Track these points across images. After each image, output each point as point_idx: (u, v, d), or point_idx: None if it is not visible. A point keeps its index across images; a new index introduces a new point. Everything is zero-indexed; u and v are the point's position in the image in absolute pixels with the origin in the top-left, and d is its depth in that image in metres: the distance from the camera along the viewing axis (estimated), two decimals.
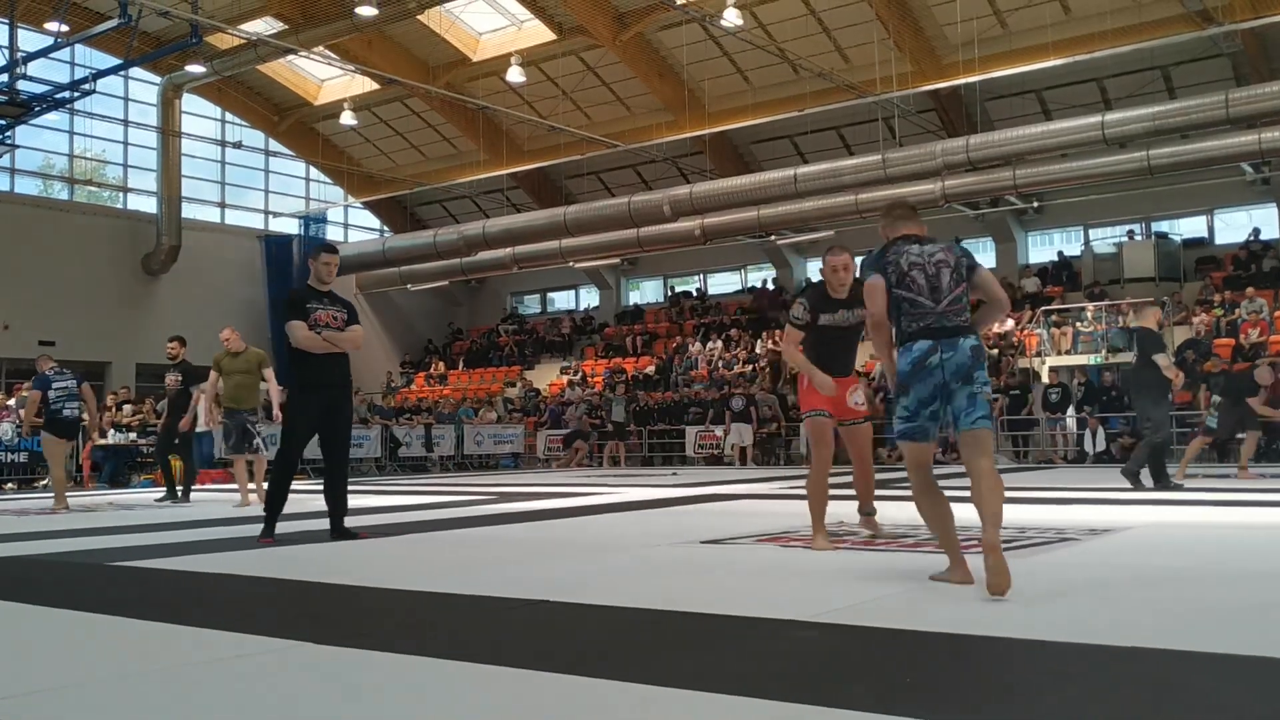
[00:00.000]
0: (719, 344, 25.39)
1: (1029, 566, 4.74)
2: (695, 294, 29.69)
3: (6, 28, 17.84)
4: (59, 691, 2.76)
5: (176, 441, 11.30)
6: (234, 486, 11.04)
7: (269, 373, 10.43)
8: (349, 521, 6.71)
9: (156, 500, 11.30)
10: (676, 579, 4.66)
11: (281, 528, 6.56)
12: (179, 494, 11.20)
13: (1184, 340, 19.33)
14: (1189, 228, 23.45)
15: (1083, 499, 8.77)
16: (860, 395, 5.99)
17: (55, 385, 10.33)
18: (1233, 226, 23.01)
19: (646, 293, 31.35)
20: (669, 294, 30.32)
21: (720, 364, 24.40)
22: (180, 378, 11.09)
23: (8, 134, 19.68)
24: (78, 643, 3.45)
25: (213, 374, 10.52)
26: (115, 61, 20.12)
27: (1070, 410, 18.20)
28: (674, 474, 16.73)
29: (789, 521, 6.95)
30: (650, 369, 25.59)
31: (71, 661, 3.15)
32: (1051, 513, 7.41)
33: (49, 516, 9.44)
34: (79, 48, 20.72)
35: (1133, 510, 7.60)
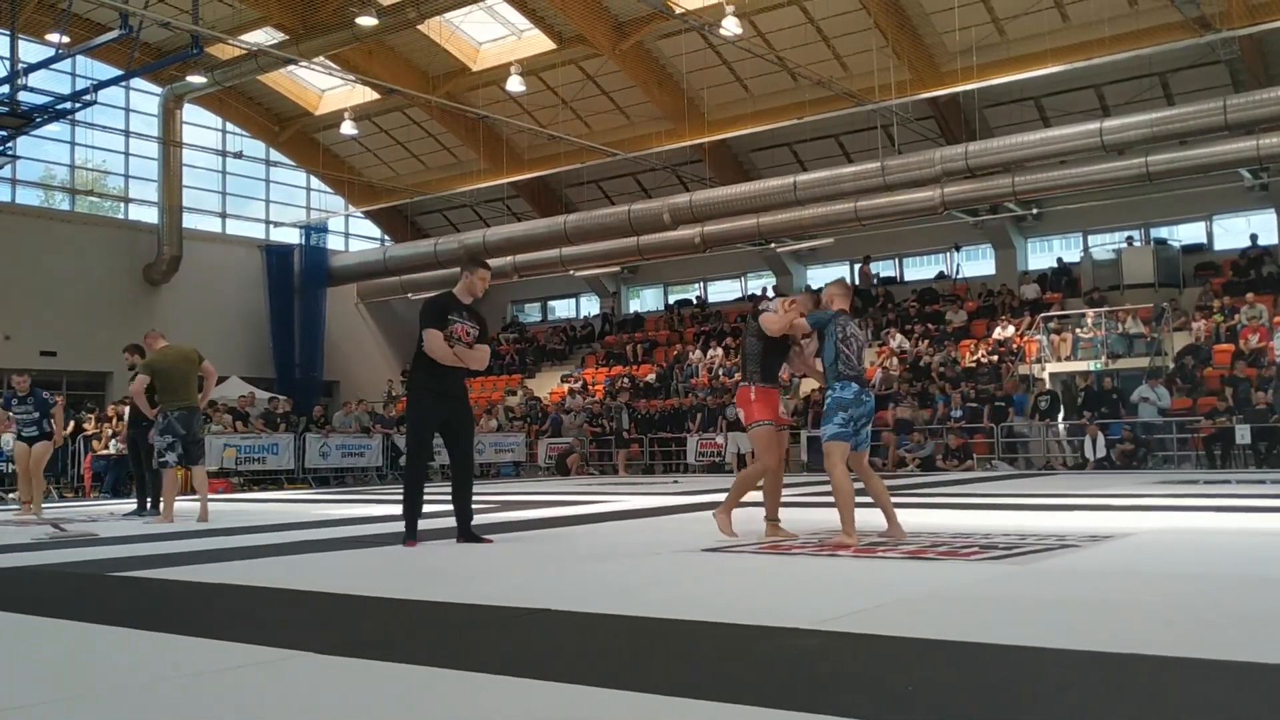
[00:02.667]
0: (719, 351, 25.40)
1: (1030, 573, 4.76)
2: (695, 302, 29.71)
3: (8, 39, 17.86)
4: (59, 704, 2.77)
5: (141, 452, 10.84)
6: (236, 496, 10.77)
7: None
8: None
9: (125, 515, 10.71)
10: (679, 587, 4.66)
11: (285, 537, 6.56)
12: (149, 505, 10.68)
13: (1184, 346, 19.36)
14: (1188, 234, 23.47)
15: (1084, 505, 8.77)
16: (784, 405, 6.89)
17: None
18: (1231, 232, 23.04)
19: (647, 301, 31.36)
20: (668, 302, 30.36)
21: (721, 371, 24.40)
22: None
23: (9, 145, 19.71)
24: (77, 654, 3.45)
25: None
26: (116, 72, 20.17)
27: (1060, 416, 18.25)
28: (675, 482, 16.72)
29: (789, 529, 6.95)
30: (651, 377, 25.61)
31: (71, 673, 3.15)
32: (1053, 519, 7.41)
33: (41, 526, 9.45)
34: (80, 59, 20.78)
35: (1135, 517, 7.61)
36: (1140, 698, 2.57)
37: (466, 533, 6.56)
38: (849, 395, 6.14)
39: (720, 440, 20.58)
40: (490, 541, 6.56)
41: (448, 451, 6.69)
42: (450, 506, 6.72)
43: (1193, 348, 19.05)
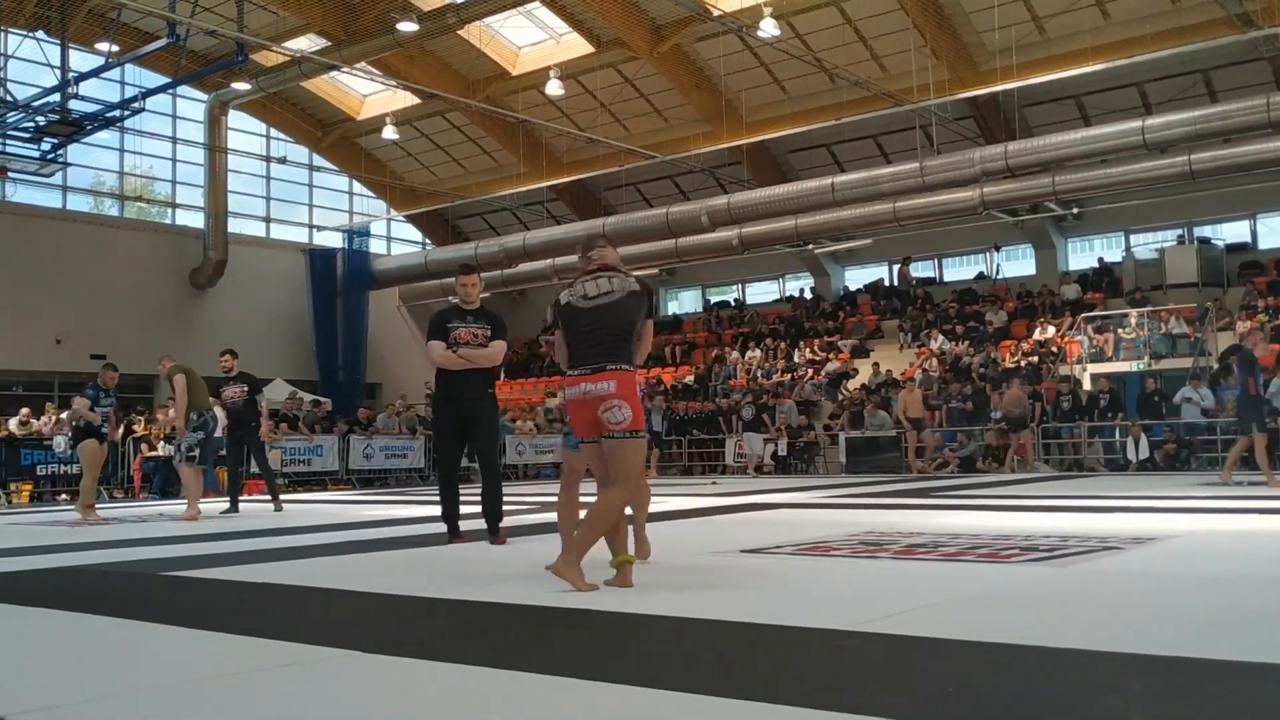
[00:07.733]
0: (757, 353, 25.39)
1: (1072, 575, 4.75)
2: (733, 303, 29.68)
3: (59, 48, 18.27)
4: (107, 700, 2.85)
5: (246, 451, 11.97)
6: (265, 497, 11.75)
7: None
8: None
9: (222, 513, 11.10)
10: (718, 588, 4.70)
11: (331, 537, 6.65)
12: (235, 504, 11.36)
13: (1228, 346, 19.10)
14: (1232, 232, 23.15)
15: (1127, 507, 8.71)
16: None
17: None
18: (1276, 231, 22.69)
19: (685, 303, 31.40)
20: (706, 304, 30.36)
21: (759, 373, 24.40)
22: (245, 389, 11.39)
23: (60, 152, 20.12)
24: (128, 651, 3.53)
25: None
26: (164, 80, 20.52)
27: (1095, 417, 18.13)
28: (714, 483, 16.75)
29: (828, 531, 6.99)
30: (689, 378, 25.64)
31: (121, 670, 3.23)
32: (1095, 521, 7.37)
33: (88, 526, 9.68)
34: (129, 67, 21.15)
35: (1178, 519, 7.55)
36: (1185, 700, 2.57)
37: (495, 533, 6.83)
38: None
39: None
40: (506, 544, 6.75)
41: (472, 452, 7.16)
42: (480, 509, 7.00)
43: (1237, 348, 18.79)
